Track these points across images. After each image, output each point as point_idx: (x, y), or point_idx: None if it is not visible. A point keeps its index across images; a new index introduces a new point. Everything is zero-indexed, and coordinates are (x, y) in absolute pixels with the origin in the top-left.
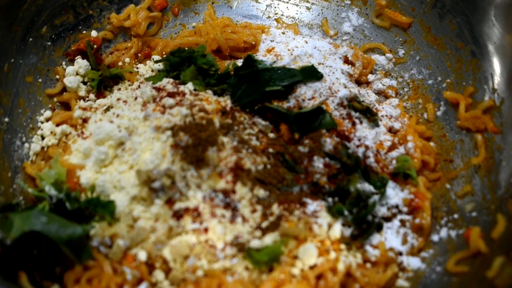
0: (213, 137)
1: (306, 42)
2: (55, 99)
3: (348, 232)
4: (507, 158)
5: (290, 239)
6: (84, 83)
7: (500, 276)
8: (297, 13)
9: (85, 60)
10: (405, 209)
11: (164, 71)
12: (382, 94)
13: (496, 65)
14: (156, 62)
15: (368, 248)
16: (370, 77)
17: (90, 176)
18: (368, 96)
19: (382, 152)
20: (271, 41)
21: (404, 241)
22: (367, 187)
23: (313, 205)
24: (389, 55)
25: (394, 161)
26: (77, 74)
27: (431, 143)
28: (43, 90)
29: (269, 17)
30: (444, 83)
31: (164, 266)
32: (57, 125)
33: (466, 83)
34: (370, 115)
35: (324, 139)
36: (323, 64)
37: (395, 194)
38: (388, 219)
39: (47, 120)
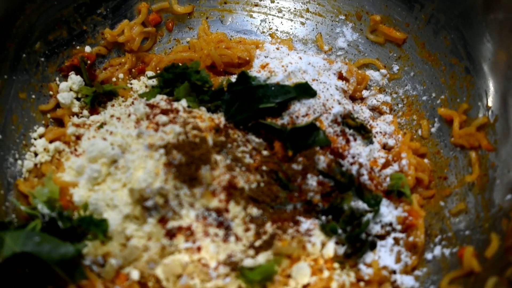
0: (206, 155)
1: (300, 58)
2: (48, 115)
3: (341, 250)
4: (500, 176)
5: (284, 258)
6: (78, 99)
7: None
8: (291, 28)
9: (78, 76)
10: (398, 227)
11: (157, 87)
12: (376, 110)
13: (490, 81)
14: (150, 78)
15: (362, 266)
16: (365, 93)
17: (83, 194)
18: (362, 113)
19: (376, 170)
20: (265, 56)
21: (398, 260)
22: (361, 205)
23: (306, 224)
24: (383, 71)
25: (388, 179)
26: (70, 90)
27: (425, 160)
28: (37, 106)
29: (263, 32)
30: (439, 99)
31: (157, 285)
32: (50, 141)
33: (460, 99)
34: (364, 132)
35: (318, 157)
36: (317, 80)
37: (388, 212)
38: (381, 237)
39: (40, 136)
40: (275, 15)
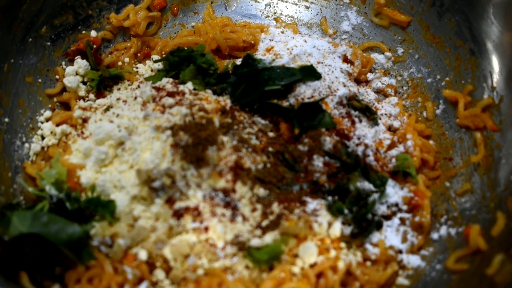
0: (212, 136)
1: (305, 41)
2: (55, 99)
3: (348, 230)
4: (506, 156)
5: (290, 238)
6: (84, 83)
7: (500, 274)
8: (296, 12)
9: (84, 60)
10: (404, 207)
11: (163, 71)
12: (381, 93)
13: (495, 63)
14: (156, 61)
15: (368, 246)
16: (369, 76)
17: (90, 176)
18: (367, 95)
19: (382, 151)
20: (270, 40)
21: (404, 239)
22: (367, 185)
23: (313, 204)
24: (388, 53)
25: (393, 160)
26: (76, 74)
27: (431, 141)
28: (43, 90)
29: (268, 16)
30: (443, 81)
31: (164, 265)
32: (57, 125)
33: (465, 81)
34: (370, 114)
35: (324, 138)
36: (322, 63)
37: (394, 193)
38: (388, 217)
39: (47, 120)
40: None
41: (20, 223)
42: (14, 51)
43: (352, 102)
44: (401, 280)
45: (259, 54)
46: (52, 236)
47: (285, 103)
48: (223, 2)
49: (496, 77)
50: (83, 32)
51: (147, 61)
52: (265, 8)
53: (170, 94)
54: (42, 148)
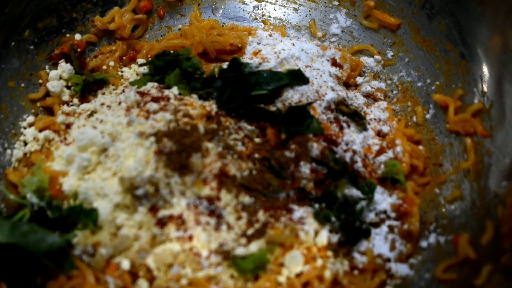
0: (197, 143)
1: (293, 45)
2: (38, 104)
3: (335, 238)
4: (496, 162)
5: (276, 247)
6: (68, 87)
7: (488, 284)
8: (284, 15)
9: (68, 64)
10: (393, 214)
11: (148, 75)
12: (370, 97)
13: (486, 67)
14: (141, 65)
15: (356, 255)
16: (359, 80)
17: (72, 183)
18: (356, 99)
19: (370, 157)
20: (258, 43)
21: (392, 247)
22: (355, 192)
23: (299, 212)
24: (377, 57)
25: (382, 166)
26: (60, 78)
27: (420, 147)
28: (26, 95)
29: (256, 18)
30: (433, 85)
31: (148, 275)
32: (40, 130)
33: (455, 85)
34: (358, 119)
35: (311, 144)
36: (310, 66)
37: (383, 200)
38: (376, 225)
39: (30, 125)
40: (268, 1)
41: None
42: None
43: (340, 107)
44: None
45: (246, 58)
46: (32, 246)
47: (272, 108)
48: (211, 4)
49: (486, 81)
50: (67, 35)
51: (133, 65)
52: (253, 11)
53: (155, 99)
54: (25, 154)
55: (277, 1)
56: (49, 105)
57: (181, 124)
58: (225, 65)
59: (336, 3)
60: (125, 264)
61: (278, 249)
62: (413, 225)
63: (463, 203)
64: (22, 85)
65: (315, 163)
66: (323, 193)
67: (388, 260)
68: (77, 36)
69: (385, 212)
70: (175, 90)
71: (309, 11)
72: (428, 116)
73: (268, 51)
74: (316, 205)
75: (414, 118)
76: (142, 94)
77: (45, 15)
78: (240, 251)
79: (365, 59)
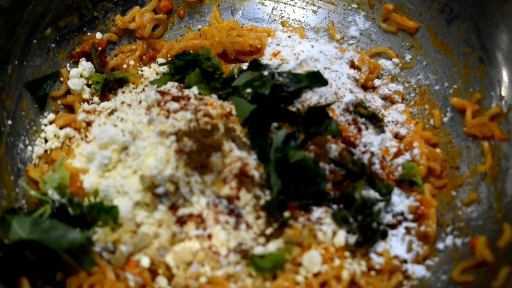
0: (217, 142)
1: (312, 46)
2: (59, 102)
3: (352, 239)
4: None
5: (294, 246)
6: (88, 85)
7: (506, 287)
8: (303, 17)
9: (89, 63)
10: (410, 216)
11: (168, 74)
12: (388, 99)
13: (504, 71)
14: (161, 65)
15: (373, 255)
16: (376, 82)
17: (93, 181)
18: (374, 102)
19: (388, 159)
20: (277, 44)
21: (409, 249)
22: (372, 194)
23: (317, 212)
24: (395, 60)
25: (399, 168)
26: (81, 76)
27: (437, 150)
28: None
29: (274, 20)
30: (451, 89)
31: (167, 273)
32: (61, 128)
33: (473, 89)
34: (376, 121)
35: (330, 145)
36: (329, 68)
37: (400, 201)
38: (393, 226)
39: (51, 123)
40: (286, 3)
41: (20, 228)
42: (18, 53)
43: (358, 109)
44: None
45: (265, 59)
46: (53, 243)
47: (292, 109)
48: (230, 5)
49: (504, 86)
50: (88, 34)
51: (153, 64)
52: (272, 12)
53: (175, 99)
54: (45, 151)
55: (296, 3)
56: (70, 103)
57: (201, 124)
58: (244, 66)
59: (355, 5)
60: (145, 262)
61: (296, 249)
62: (430, 227)
63: (480, 206)
64: None
65: (334, 164)
66: (341, 194)
67: (405, 261)
68: (98, 35)
69: (402, 214)
70: (195, 89)
71: (328, 13)
72: (445, 119)
73: (287, 53)
74: (334, 206)
75: (432, 121)
76: (163, 93)
77: (67, 14)
78: (258, 250)
79: (383, 62)
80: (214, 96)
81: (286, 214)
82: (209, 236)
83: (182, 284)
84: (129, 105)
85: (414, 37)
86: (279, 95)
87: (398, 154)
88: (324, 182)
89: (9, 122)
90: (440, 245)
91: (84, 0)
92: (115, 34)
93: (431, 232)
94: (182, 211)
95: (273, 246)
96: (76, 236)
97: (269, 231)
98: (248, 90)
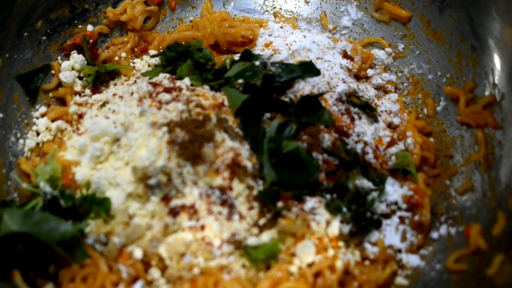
0: (209, 133)
1: (305, 37)
2: (50, 95)
3: (346, 229)
4: (507, 154)
5: (288, 237)
6: (80, 78)
7: (500, 275)
8: (295, 7)
9: (80, 55)
10: (404, 205)
11: (160, 66)
12: (381, 89)
13: (497, 59)
14: (153, 56)
15: (367, 245)
16: (369, 72)
17: (85, 173)
18: (367, 91)
19: (381, 148)
20: (269, 35)
21: (403, 238)
22: (366, 183)
23: (311, 202)
24: (388, 49)
25: (393, 157)
26: (72, 69)
27: (431, 139)
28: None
29: (267, 11)
30: (444, 78)
31: (160, 264)
32: (52, 120)
33: (466, 78)
34: (369, 111)
35: (322, 135)
36: (321, 58)
37: (394, 191)
38: (387, 216)
39: (42, 115)
40: None
41: (11, 221)
42: (9, 46)
43: (351, 99)
44: (400, 280)
45: (257, 50)
46: (44, 235)
47: (283, 99)
48: None
49: (497, 74)
50: (79, 26)
51: (144, 56)
52: (264, 3)
53: (167, 90)
54: (37, 144)
55: None
56: (62, 95)
57: (193, 114)
58: (236, 57)
59: None
60: (138, 253)
61: (289, 239)
62: (424, 216)
63: (474, 195)
64: None
65: (327, 154)
66: (334, 184)
67: (399, 250)
68: (89, 27)
69: (396, 203)
70: (187, 81)
71: (320, 3)
72: (439, 108)
73: (279, 43)
74: (328, 196)
75: (425, 110)
76: (154, 84)
77: (58, 6)
78: (252, 240)
79: (376, 52)
80: (206, 87)
81: (279, 204)
82: (202, 227)
83: (175, 275)
84: (121, 97)
85: (406, 27)
86: (272, 85)
87: (391, 143)
88: (317, 172)
89: (1, 115)
90: (434, 234)
91: None
92: (107, 26)
93: (425, 221)
94: (175, 202)
95: (267, 236)
96: (67, 228)
97: (262, 221)
98: (240, 81)
